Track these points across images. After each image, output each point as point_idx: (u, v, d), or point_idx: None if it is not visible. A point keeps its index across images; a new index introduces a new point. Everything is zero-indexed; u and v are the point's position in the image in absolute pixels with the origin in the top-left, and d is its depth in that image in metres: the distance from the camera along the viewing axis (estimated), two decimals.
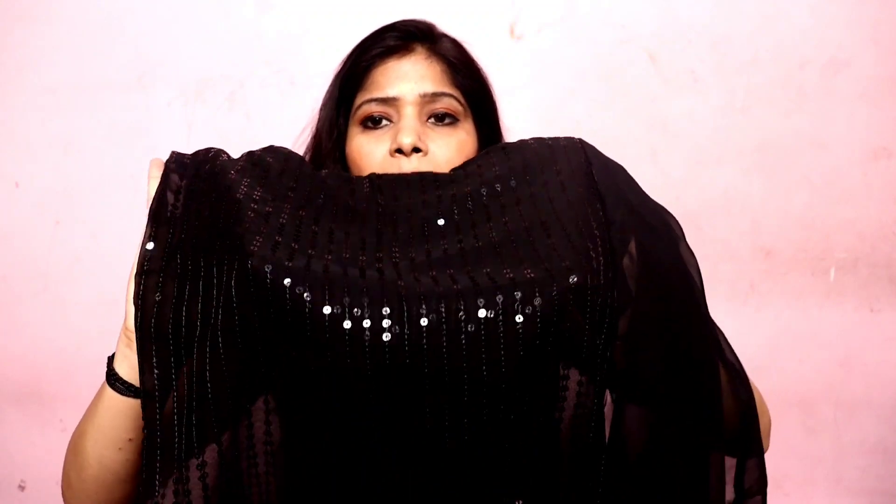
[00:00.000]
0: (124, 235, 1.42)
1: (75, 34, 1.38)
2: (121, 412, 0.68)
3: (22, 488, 1.49)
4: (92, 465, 0.70)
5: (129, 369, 0.67)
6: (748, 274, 1.42)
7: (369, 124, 0.84)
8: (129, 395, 0.68)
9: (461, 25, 0.94)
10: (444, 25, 0.91)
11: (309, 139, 0.93)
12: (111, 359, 0.69)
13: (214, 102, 1.38)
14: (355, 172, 0.85)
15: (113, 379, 0.68)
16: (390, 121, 0.84)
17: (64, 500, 0.74)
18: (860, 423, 1.46)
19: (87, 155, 1.40)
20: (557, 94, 1.40)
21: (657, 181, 1.40)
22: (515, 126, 1.21)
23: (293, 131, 0.96)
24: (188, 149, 0.72)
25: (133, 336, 0.64)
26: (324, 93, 0.92)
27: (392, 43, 0.86)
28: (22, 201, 1.42)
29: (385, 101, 0.83)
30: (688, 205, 1.41)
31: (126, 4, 1.38)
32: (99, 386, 0.71)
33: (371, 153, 0.83)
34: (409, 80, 0.84)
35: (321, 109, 0.90)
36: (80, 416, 0.75)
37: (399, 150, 0.81)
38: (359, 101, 0.86)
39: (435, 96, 0.84)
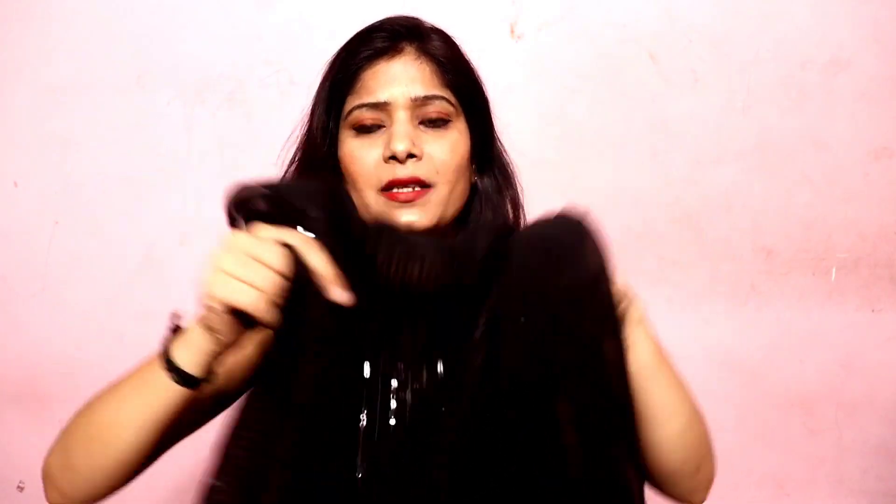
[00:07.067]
0: (124, 235, 1.42)
1: (75, 34, 1.38)
2: (170, 399, 0.68)
3: (21, 489, 1.48)
4: (115, 447, 0.69)
5: (192, 355, 0.67)
6: (749, 274, 1.42)
7: (361, 129, 0.85)
8: (182, 385, 0.68)
9: (461, 25, 0.93)
10: (444, 25, 0.91)
11: (299, 142, 0.92)
12: (167, 349, 0.69)
13: (214, 102, 1.38)
14: (349, 176, 0.85)
15: (171, 368, 0.68)
16: (382, 125, 0.84)
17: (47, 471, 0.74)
18: (861, 424, 1.46)
19: (86, 155, 1.40)
20: (557, 94, 1.39)
21: (657, 181, 1.40)
22: (515, 126, 1.20)
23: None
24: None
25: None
26: None
27: (380, 45, 0.85)
28: (21, 201, 1.41)
29: (376, 105, 0.83)
30: (688, 205, 1.40)
31: (126, 4, 1.38)
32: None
33: (364, 158, 0.84)
34: (399, 83, 0.83)
35: (311, 113, 0.89)
36: None
37: (393, 157, 0.81)
38: (349, 105, 0.85)
39: (426, 99, 0.84)
